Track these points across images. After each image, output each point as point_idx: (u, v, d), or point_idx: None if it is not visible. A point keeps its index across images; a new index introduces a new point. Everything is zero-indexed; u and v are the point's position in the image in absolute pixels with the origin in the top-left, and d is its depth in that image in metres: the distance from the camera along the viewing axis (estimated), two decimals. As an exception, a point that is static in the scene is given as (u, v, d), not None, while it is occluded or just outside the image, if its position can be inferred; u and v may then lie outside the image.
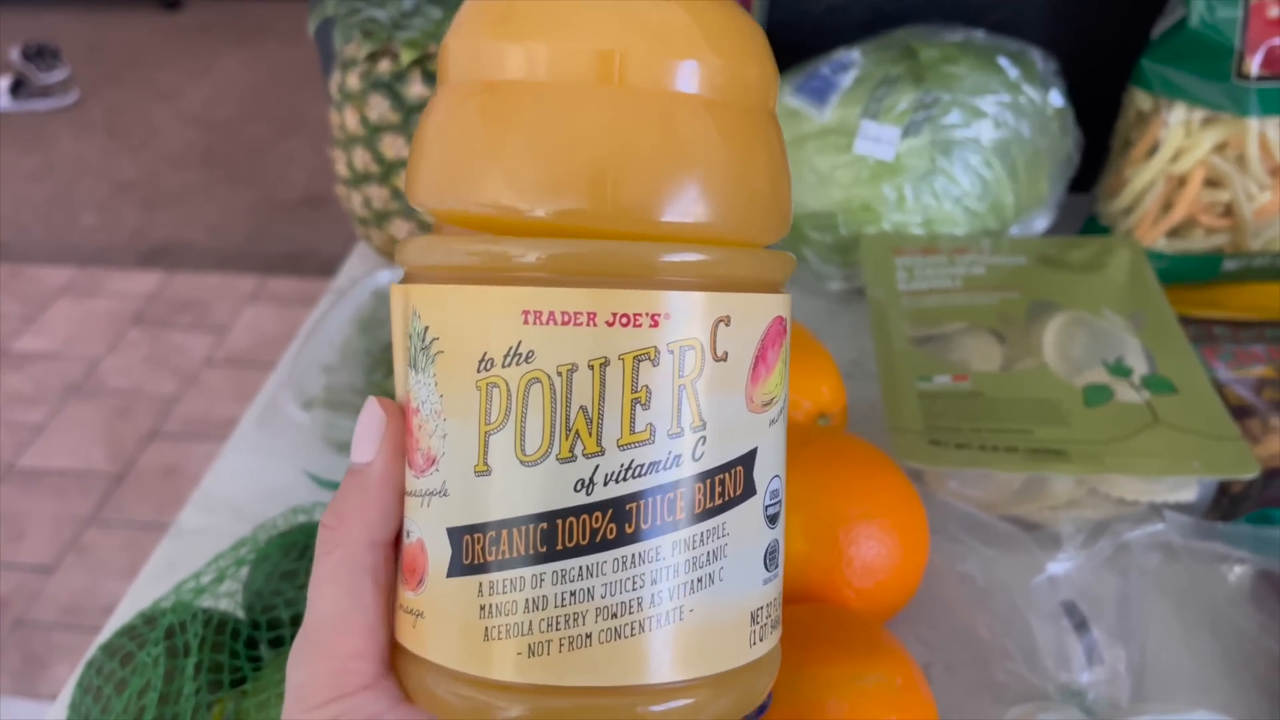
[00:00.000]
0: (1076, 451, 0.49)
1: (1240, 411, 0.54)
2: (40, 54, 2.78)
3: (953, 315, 0.59)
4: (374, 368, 0.59)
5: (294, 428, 0.58)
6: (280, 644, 0.42)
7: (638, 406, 0.22)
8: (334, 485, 0.53)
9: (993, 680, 0.45)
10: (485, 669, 0.23)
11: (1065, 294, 0.59)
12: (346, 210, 0.70)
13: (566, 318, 0.22)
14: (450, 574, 0.23)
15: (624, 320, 0.22)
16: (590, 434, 0.22)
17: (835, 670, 0.38)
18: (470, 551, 0.23)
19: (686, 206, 0.22)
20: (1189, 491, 0.50)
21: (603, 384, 0.22)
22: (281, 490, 0.55)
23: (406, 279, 0.25)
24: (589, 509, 0.22)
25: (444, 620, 0.24)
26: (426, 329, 0.24)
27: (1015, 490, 0.51)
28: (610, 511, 0.22)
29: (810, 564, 0.43)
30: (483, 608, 0.23)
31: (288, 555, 0.43)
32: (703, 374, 0.23)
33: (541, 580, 0.22)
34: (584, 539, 0.22)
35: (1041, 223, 0.67)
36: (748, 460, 0.24)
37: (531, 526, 0.22)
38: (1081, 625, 0.43)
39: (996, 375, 0.55)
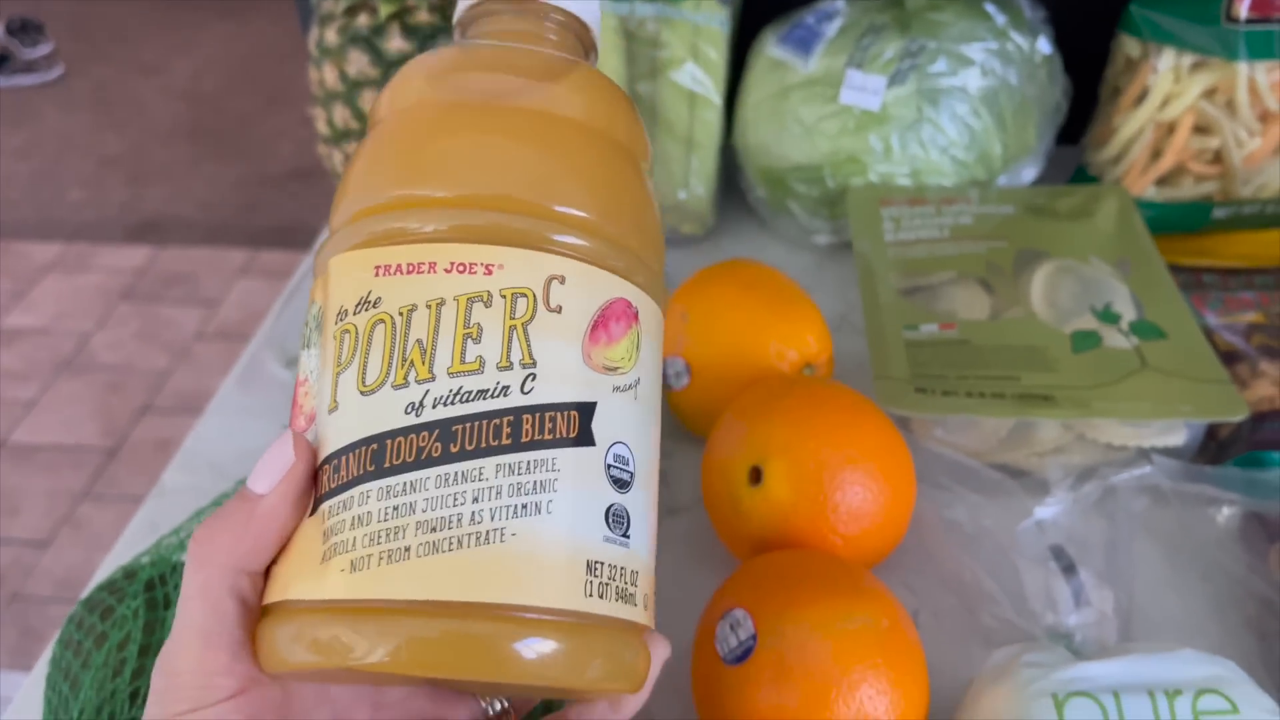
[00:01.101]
0: (1064, 397, 0.49)
1: (1229, 357, 0.54)
2: (24, 29, 2.75)
3: (940, 265, 0.58)
4: (357, 326, 0.59)
5: (276, 387, 0.57)
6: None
7: (469, 340, 0.25)
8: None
9: (980, 625, 0.45)
10: (318, 590, 0.24)
11: (1053, 242, 0.59)
12: (328, 169, 0.69)
13: (411, 268, 0.25)
14: (310, 514, 0.25)
15: (460, 268, 0.25)
16: (423, 363, 0.24)
17: (820, 612, 0.37)
18: (320, 485, 0.25)
19: (533, 187, 0.26)
20: (1177, 436, 0.50)
21: (438, 320, 0.25)
22: (262, 448, 0.54)
23: (316, 278, 0.28)
24: (416, 429, 0.24)
25: (293, 555, 0.25)
26: (320, 308, 0.27)
27: (1002, 438, 0.51)
28: (437, 431, 0.24)
29: (796, 511, 0.43)
30: (324, 533, 0.24)
31: (268, 508, 0.43)
32: (534, 319, 0.25)
33: (368, 497, 0.24)
34: (410, 456, 0.24)
35: (1030, 173, 0.67)
36: (584, 409, 0.25)
37: (364, 449, 0.24)
38: (1069, 569, 0.43)
39: (984, 323, 0.54)
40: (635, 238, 0.28)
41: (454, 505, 0.23)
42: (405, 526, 0.23)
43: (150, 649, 0.38)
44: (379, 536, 0.23)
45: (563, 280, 0.26)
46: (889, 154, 0.63)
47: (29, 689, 0.45)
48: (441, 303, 0.25)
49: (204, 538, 0.25)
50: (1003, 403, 0.49)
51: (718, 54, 0.67)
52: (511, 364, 0.25)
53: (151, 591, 0.39)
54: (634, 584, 0.26)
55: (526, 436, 0.24)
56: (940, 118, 0.62)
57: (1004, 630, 0.43)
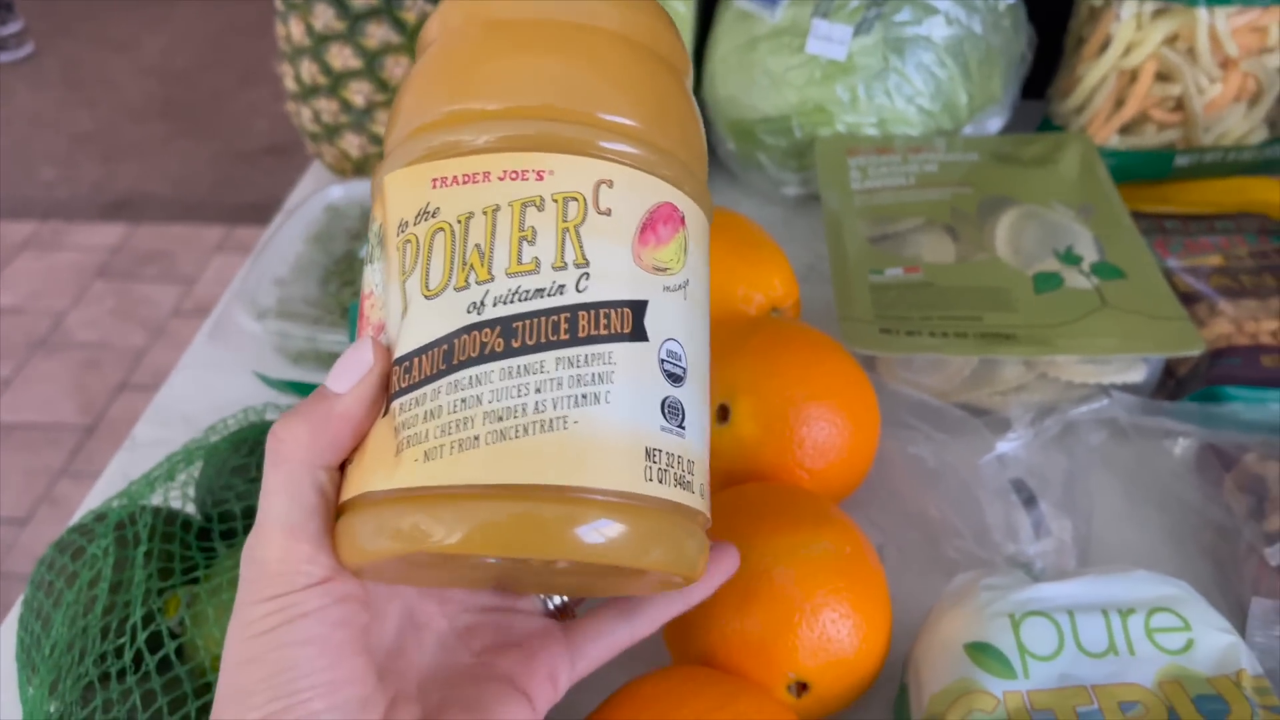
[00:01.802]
0: (1026, 335, 0.49)
1: (1188, 298, 0.55)
2: (-8, 7, 2.71)
3: (906, 211, 0.59)
4: (327, 280, 0.59)
5: (246, 341, 0.57)
6: (233, 536, 0.42)
7: (524, 243, 0.26)
8: (284, 385, 0.53)
9: (944, 558, 0.45)
10: (393, 480, 0.25)
11: (1017, 189, 0.59)
12: (296, 127, 0.69)
13: (466, 178, 0.26)
14: (384, 415, 0.26)
15: (513, 175, 0.26)
16: (482, 264, 0.26)
17: (783, 540, 0.38)
18: (391, 385, 0.26)
19: (579, 96, 0.27)
20: (1136, 373, 0.51)
21: (494, 225, 0.26)
22: (235, 401, 0.54)
23: (374, 198, 0.29)
24: (479, 326, 0.25)
25: (368, 452, 0.26)
26: (380, 225, 0.28)
27: (965, 377, 0.52)
28: (499, 328, 0.25)
29: (763, 447, 0.43)
30: (396, 429, 0.26)
31: (238, 451, 0.43)
32: (586, 221, 0.26)
33: (439, 392, 0.25)
34: (474, 352, 0.25)
35: (995, 123, 0.67)
36: (636, 307, 0.26)
37: (434, 350, 0.26)
38: (1029, 500, 0.44)
39: (948, 266, 0.55)
40: (680, 145, 0.29)
41: (518, 396, 0.25)
42: (473, 417, 0.25)
43: (120, 586, 0.38)
44: (450, 427, 0.25)
45: (611, 184, 0.27)
46: (856, 104, 0.63)
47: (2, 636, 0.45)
48: (496, 209, 0.26)
49: (284, 434, 0.27)
50: (965, 342, 0.49)
51: (686, 7, 0.67)
52: (566, 264, 0.26)
53: (121, 530, 0.40)
54: (691, 472, 0.27)
55: (583, 332, 0.25)
56: (906, 67, 0.62)
57: (967, 562, 0.44)
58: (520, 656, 0.31)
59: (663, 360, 0.27)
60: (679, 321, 0.28)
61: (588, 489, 0.25)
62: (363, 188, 0.65)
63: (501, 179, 0.26)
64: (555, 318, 0.25)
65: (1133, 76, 0.63)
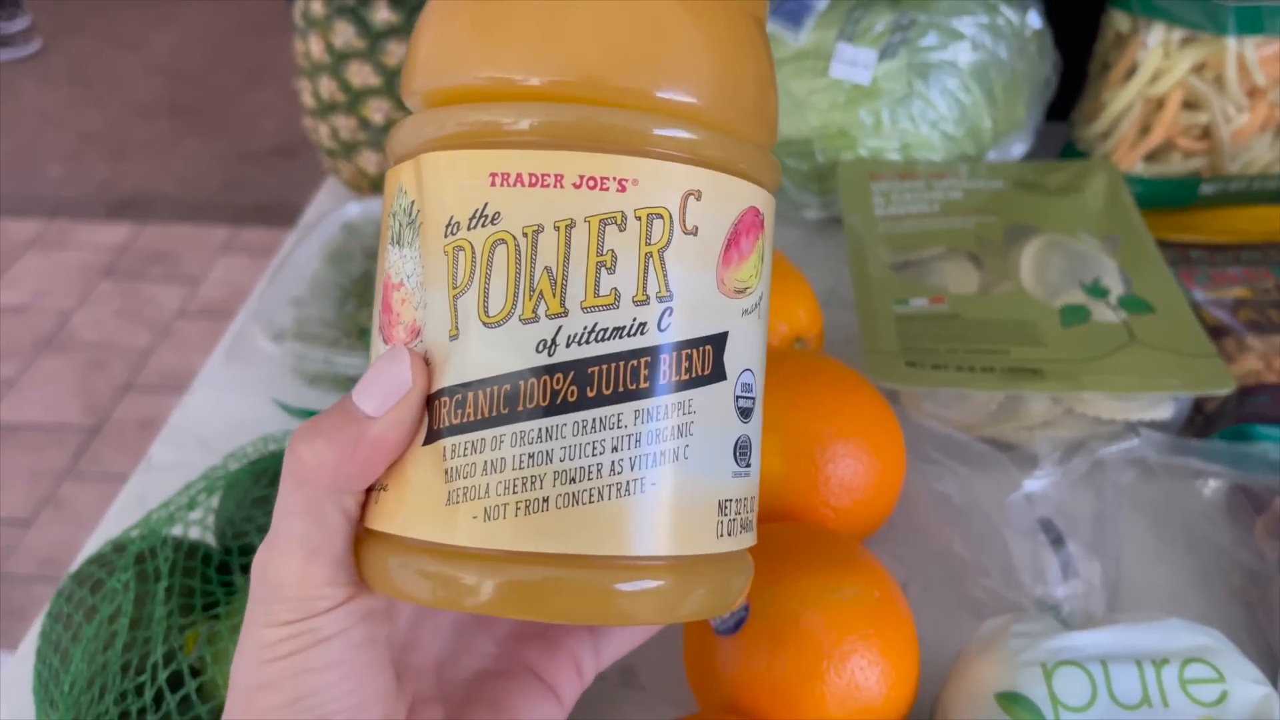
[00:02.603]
0: (1053, 370, 0.49)
1: (1216, 332, 0.54)
2: (0, 3, 2.71)
3: (930, 240, 0.58)
4: (344, 300, 0.58)
5: (263, 361, 0.57)
6: (253, 570, 0.41)
7: (603, 270, 0.22)
8: (303, 414, 0.52)
9: (969, 597, 0.45)
10: (444, 534, 0.23)
11: (1042, 217, 0.59)
12: (313, 142, 0.68)
13: (534, 179, 0.22)
14: (425, 442, 0.23)
15: (591, 183, 0.22)
16: (554, 295, 0.22)
17: (812, 584, 0.37)
18: (438, 416, 0.23)
19: (667, 80, 0.23)
20: (1164, 410, 0.50)
21: (568, 245, 0.22)
22: (251, 423, 0.54)
23: (396, 162, 0.25)
24: (550, 370, 0.22)
25: (410, 489, 0.23)
26: (412, 202, 0.24)
27: (991, 411, 0.51)
28: (572, 374, 0.22)
29: (787, 484, 0.43)
30: (447, 472, 0.23)
31: (259, 481, 0.43)
32: (671, 244, 0.22)
33: (501, 442, 0.22)
34: (544, 400, 0.22)
35: (1019, 148, 0.67)
36: (718, 342, 0.23)
37: (495, 388, 0.22)
38: (1057, 541, 0.43)
39: (973, 297, 0.54)
40: (763, 128, 0.25)
41: (593, 455, 0.22)
42: (543, 476, 0.22)
43: (140, 622, 0.38)
44: (515, 485, 0.22)
45: (699, 196, 0.23)
46: (879, 128, 0.63)
47: (16, 666, 0.45)
48: (571, 224, 0.22)
49: (306, 455, 0.24)
50: (992, 376, 0.49)
51: (707, 27, 0.66)
52: (648, 298, 0.22)
53: (142, 564, 0.39)
54: (752, 510, 0.25)
55: (665, 379, 0.22)
56: (930, 92, 0.62)
57: (993, 602, 0.44)
58: (543, 646, 0.30)
59: (738, 397, 0.24)
60: (753, 348, 0.25)
61: (659, 557, 0.23)
62: (380, 206, 0.65)
63: (577, 186, 0.22)
64: (635, 363, 0.22)
65: (1159, 104, 0.63)
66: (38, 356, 1.80)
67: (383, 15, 0.61)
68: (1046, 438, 0.50)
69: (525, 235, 0.22)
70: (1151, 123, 0.63)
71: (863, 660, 0.37)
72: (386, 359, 0.23)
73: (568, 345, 0.22)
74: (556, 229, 0.22)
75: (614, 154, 0.22)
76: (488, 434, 0.22)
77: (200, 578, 0.40)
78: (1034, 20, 0.65)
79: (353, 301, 0.58)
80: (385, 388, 0.23)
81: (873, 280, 0.56)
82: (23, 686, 0.43)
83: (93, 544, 0.49)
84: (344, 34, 0.62)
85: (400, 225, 0.24)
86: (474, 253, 0.22)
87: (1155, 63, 0.62)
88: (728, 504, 0.24)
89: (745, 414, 0.24)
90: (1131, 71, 0.63)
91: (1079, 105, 0.69)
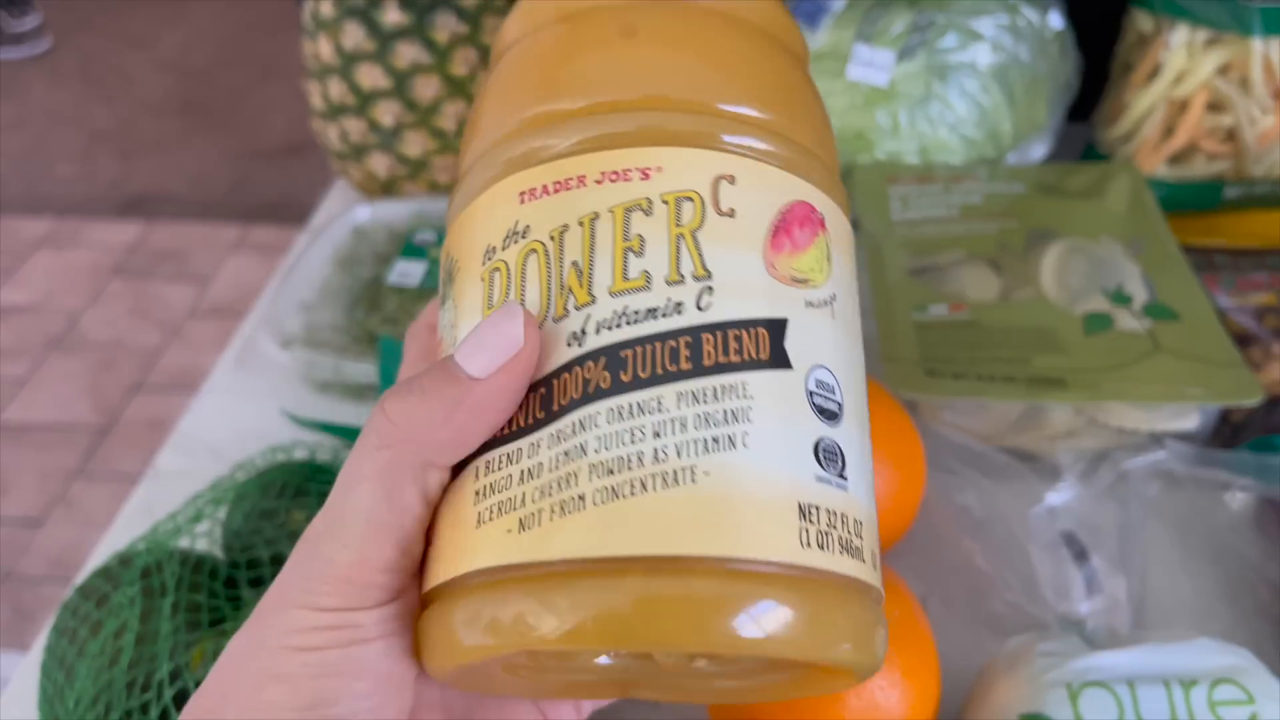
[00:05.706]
0: (1076, 380, 0.48)
1: (1242, 339, 0.53)
2: (11, 1, 2.71)
3: (949, 245, 0.57)
4: (354, 305, 0.58)
5: (272, 368, 0.56)
6: (260, 584, 0.40)
7: (630, 254, 0.21)
8: (313, 425, 0.52)
9: (991, 611, 0.44)
10: (474, 559, 0.21)
11: (1064, 222, 0.58)
12: (322, 145, 0.68)
13: (558, 185, 0.22)
14: (461, 479, 0.22)
15: (613, 176, 0.22)
16: (581, 285, 0.21)
17: (831, 601, 0.37)
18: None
19: (692, 80, 0.24)
20: (1190, 420, 0.49)
21: (593, 236, 0.22)
22: (260, 431, 0.53)
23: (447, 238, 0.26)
24: (581, 360, 0.21)
25: (443, 532, 0.22)
26: (453, 260, 0.24)
27: (1013, 421, 0.50)
28: (603, 360, 0.21)
29: (804, 496, 0.42)
30: (477, 493, 0.21)
31: (267, 494, 0.42)
32: (704, 224, 0.22)
33: (538, 448, 0.21)
34: (576, 392, 0.21)
35: (1039, 150, 0.65)
36: (774, 326, 0.22)
37: (530, 397, 0.21)
38: (1081, 555, 0.43)
39: (994, 304, 0.53)
40: (810, 135, 0.25)
41: (631, 442, 0.20)
42: (577, 471, 0.20)
43: (146, 637, 0.37)
44: (549, 488, 0.20)
45: (733, 180, 0.22)
46: (897, 131, 0.61)
47: (25, 673, 0.44)
48: (595, 217, 0.22)
49: (396, 413, 0.21)
50: (1014, 386, 0.48)
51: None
52: (683, 277, 0.21)
53: (148, 579, 0.38)
54: (859, 535, 0.22)
55: (709, 359, 0.21)
56: (949, 94, 0.61)
57: (1015, 617, 0.43)
58: None
59: (812, 392, 0.22)
60: (828, 344, 0.23)
61: (730, 559, 0.19)
62: (390, 209, 0.64)
63: (600, 182, 0.22)
64: (673, 343, 0.21)
65: (1182, 106, 0.61)
66: (48, 356, 1.80)
67: (393, 17, 0.61)
68: (1069, 448, 0.49)
69: (553, 238, 0.22)
70: (1175, 125, 0.62)
71: (883, 681, 0.36)
72: (496, 316, 0.21)
73: (597, 331, 0.21)
74: (581, 224, 0.22)
75: (632, 147, 0.22)
76: (523, 442, 0.21)
77: (207, 592, 0.39)
78: (1055, 20, 0.64)
79: (362, 307, 0.57)
80: (493, 346, 0.21)
81: (891, 286, 0.55)
82: (33, 686, 0.42)
83: (99, 554, 0.48)
84: (354, 36, 0.61)
85: (441, 286, 0.25)
86: (508, 269, 0.22)
87: (1179, 64, 0.60)
88: (813, 510, 0.21)
89: (827, 415, 0.22)
90: (1154, 73, 0.62)
91: (1100, 107, 0.68)
